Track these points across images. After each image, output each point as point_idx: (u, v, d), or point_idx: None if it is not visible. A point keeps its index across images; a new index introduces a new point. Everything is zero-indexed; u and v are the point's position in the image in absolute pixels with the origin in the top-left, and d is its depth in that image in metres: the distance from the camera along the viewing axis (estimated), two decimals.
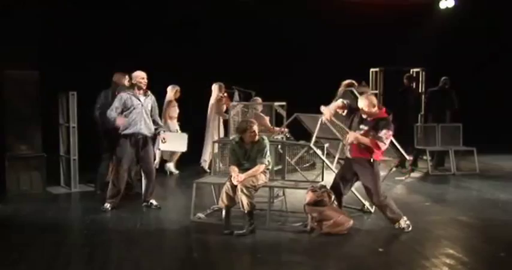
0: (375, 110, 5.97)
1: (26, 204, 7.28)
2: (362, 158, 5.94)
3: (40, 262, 5.06)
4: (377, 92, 11.26)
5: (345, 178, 6.12)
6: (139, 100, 6.75)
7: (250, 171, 5.98)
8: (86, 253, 5.39)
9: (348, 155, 6.07)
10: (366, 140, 5.84)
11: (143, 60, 9.80)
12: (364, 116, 5.99)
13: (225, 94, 9.20)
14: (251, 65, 10.80)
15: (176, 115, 9.12)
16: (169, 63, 10.50)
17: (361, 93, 6.76)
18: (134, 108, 6.72)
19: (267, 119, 7.56)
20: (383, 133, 5.80)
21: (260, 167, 6.03)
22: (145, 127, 6.78)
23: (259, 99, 8.50)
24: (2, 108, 7.85)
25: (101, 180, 7.90)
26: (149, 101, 6.86)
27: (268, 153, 6.14)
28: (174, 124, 9.09)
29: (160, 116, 7.59)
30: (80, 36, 9.74)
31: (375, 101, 6.04)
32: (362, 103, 5.98)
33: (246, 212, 5.86)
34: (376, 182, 5.94)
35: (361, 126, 5.95)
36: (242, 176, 5.90)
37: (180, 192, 7.95)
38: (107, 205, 6.81)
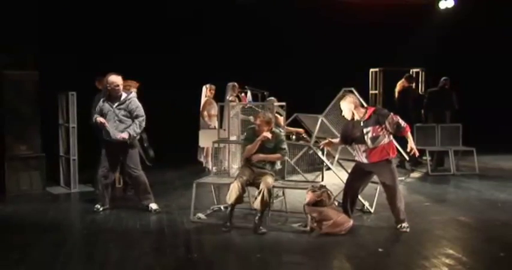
0: (364, 110, 6.01)
1: (25, 204, 7.28)
2: (382, 160, 5.94)
3: (40, 262, 5.07)
4: (377, 92, 11.28)
5: (359, 184, 6.12)
6: (111, 107, 6.65)
7: (269, 156, 6.14)
8: (86, 253, 5.39)
9: (365, 161, 6.00)
10: (410, 139, 6.09)
11: (142, 59, 9.88)
12: (358, 118, 5.99)
13: (242, 95, 9.17)
14: (250, 65, 10.81)
15: (215, 112, 8.97)
16: (166, 63, 10.52)
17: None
18: (107, 115, 6.66)
19: (281, 119, 7.57)
20: (391, 121, 5.88)
21: (279, 156, 6.17)
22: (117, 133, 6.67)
23: (274, 100, 8.44)
24: (2, 109, 7.85)
25: None
26: (123, 106, 6.65)
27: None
28: (214, 122, 9.07)
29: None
30: (79, 36, 9.74)
31: (358, 101, 6.11)
32: (348, 107, 6.01)
33: (260, 211, 5.94)
34: (395, 179, 5.99)
35: (365, 130, 5.93)
36: (260, 155, 6.11)
37: (180, 192, 7.94)
38: (97, 206, 6.86)
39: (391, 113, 6.02)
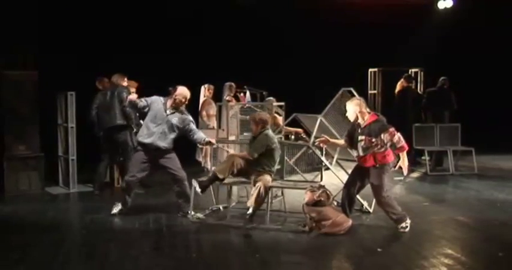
0: (367, 115, 5.99)
1: (24, 204, 7.28)
2: (370, 166, 5.95)
3: (40, 262, 5.07)
4: (375, 92, 11.28)
5: (358, 184, 6.13)
6: (165, 112, 6.46)
7: (239, 153, 6.45)
8: (85, 253, 5.39)
9: (359, 163, 6.04)
10: (403, 158, 5.99)
11: (142, 59, 9.88)
12: (361, 123, 5.99)
13: (241, 94, 9.16)
14: (250, 65, 10.81)
15: (214, 112, 8.88)
16: (166, 64, 10.51)
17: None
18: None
19: (280, 119, 7.58)
20: (386, 138, 5.82)
21: (244, 153, 6.31)
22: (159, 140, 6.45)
23: (273, 100, 8.43)
24: (1, 108, 7.85)
25: (100, 180, 7.92)
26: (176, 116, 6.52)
27: (263, 148, 6.20)
28: (212, 121, 9.06)
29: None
30: (79, 36, 9.74)
31: (364, 105, 6.08)
32: (353, 109, 5.99)
33: (253, 208, 6.02)
34: (382, 180, 5.96)
35: (360, 138, 5.92)
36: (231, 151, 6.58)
37: None
38: (116, 209, 6.61)
39: (391, 129, 5.88)
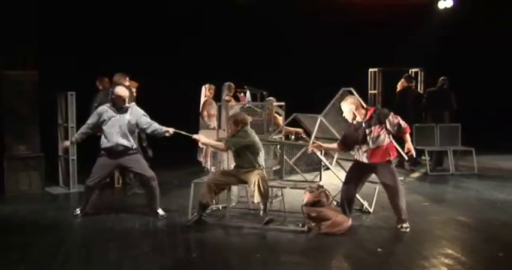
0: (364, 110, 6.04)
1: (25, 204, 7.29)
2: (382, 161, 5.95)
3: (40, 262, 5.08)
4: (376, 92, 11.28)
5: (357, 183, 6.13)
6: (115, 113, 6.55)
7: (211, 141, 6.53)
8: (85, 253, 5.39)
9: (365, 161, 6.01)
10: (408, 140, 6.11)
11: (142, 59, 9.89)
12: (359, 119, 6.00)
13: (241, 94, 9.15)
14: (250, 65, 10.81)
15: (215, 112, 8.86)
16: (166, 63, 10.52)
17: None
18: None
19: (280, 119, 7.57)
20: (392, 121, 5.94)
21: (219, 143, 6.38)
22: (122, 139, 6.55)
23: (273, 99, 8.43)
24: (1, 108, 7.86)
25: None
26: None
27: (242, 144, 6.19)
28: (213, 121, 9.04)
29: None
30: (79, 36, 9.75)
31: (358, 102, 6.12)
32: (349, 107, 6.03)
33: (263, 203, 6.09)
34: (396, 179, 5.99)
35: (367, 130, 5.93)
36: (202, 137, 6.58)
37: (179, 192, 7.95)
38: (78, 210, 6.66)
39: (391, 113, 6.05)
